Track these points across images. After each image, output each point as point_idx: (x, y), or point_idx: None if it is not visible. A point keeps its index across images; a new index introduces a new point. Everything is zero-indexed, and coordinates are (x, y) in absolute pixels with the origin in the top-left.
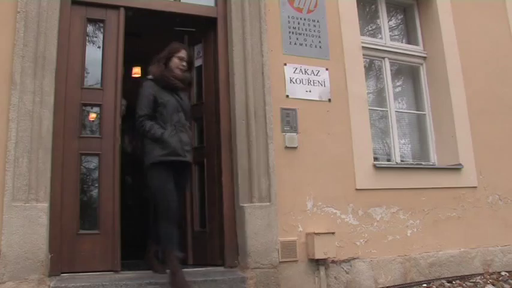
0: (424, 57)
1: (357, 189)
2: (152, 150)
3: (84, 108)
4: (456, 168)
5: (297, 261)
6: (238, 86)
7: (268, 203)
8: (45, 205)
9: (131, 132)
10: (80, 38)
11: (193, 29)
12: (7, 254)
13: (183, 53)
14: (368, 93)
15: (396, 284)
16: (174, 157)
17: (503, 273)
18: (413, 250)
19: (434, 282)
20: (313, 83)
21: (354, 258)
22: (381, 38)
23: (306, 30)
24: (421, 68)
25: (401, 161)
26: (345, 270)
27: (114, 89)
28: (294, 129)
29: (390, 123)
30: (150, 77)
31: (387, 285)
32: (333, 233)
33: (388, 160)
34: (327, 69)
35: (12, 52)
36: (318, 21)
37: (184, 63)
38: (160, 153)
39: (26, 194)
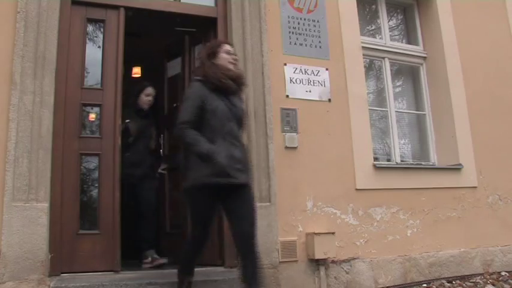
0: (424, 57)
1: (357, 189)
2: (196, 169)
3: (84, 108)
4: (456, 168)
5: (297, 261)
6: None
7: (268, 203)
8: (45, 205)
9: (156, 126)
10: (80, 38)
11: (194, 29)
12: (7, 254)
13: (228, 47)
14: (368, 93)
15: (396, 284)
16: (222, 179)
17: (503, 273)
18: (413, 250)
19: (434, 282)
20: (313, 83)
21: (354, 258)
22: (381, 38)
23: (306, 30)
24: (421, 68)
25: (402, 161)
26: (345, 270)
27: (114, 89)
28: (294, 129)
29: (390, 123)
30: (198, 77)
31: (387, 285)
32: (333, 233)
33: (388, 160)
34: (327, 69)
35: (12, 52)
36: (318, 21)
37: (235, 57)
38: (205, 174)
39: (26, 194)
